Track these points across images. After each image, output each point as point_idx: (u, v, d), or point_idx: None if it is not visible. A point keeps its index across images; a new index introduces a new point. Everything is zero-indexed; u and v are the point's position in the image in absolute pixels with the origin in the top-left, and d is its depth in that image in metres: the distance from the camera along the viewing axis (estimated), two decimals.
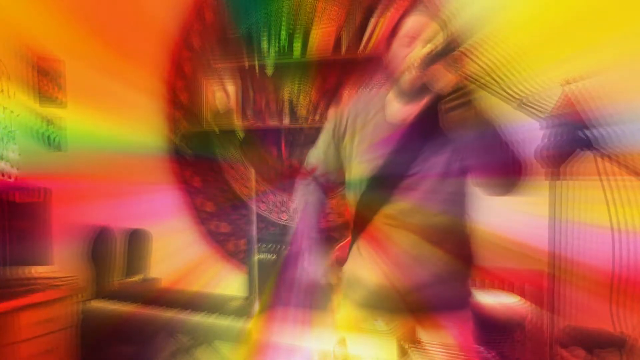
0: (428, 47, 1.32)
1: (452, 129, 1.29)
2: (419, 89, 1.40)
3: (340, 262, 1.66)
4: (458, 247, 1.47)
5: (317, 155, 1.66)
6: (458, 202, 1.46)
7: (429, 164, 1.42)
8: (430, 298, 1.44)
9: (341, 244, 1.73)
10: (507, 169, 1.27)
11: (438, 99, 1.32)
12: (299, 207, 1.61)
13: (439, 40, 1.37)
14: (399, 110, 1.50)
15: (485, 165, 1.30)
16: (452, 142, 1.35)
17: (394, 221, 1.45)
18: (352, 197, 1.57)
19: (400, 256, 1.44)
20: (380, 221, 1.48)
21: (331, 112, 1.44)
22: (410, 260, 1.44)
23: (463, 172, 1.41)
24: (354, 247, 1.59)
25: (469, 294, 1.54)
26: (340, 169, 1.61)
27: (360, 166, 1.51)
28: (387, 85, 1.54)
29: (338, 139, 1.59)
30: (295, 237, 1.53)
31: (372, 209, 1.48)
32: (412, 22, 1.41)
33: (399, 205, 1.44)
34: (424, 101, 1.46)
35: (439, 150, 1.41)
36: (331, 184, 1.66)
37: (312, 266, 1.48)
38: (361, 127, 1.54)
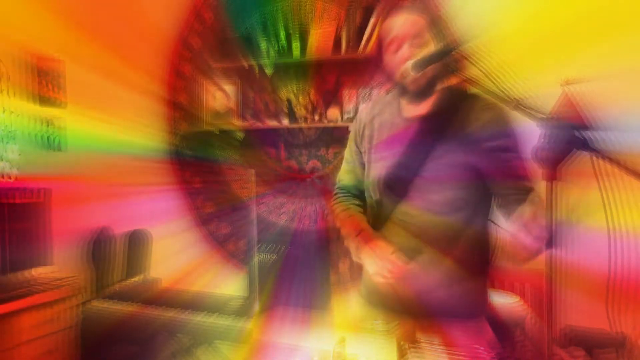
0: (421, 53, 1.32)
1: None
2: (421, 89, 1.40)
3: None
4: (471, 253, 1.41)
5: (345, 171, 1.64)
6: (472, 205, 1.40)
7: (442, 163, 1.38)
8: (438, 304, 1.40)
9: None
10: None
11: (448, 95, 1.30)
12: (340, 217, 1.59)
13: (429, 39, 1.36)
14: (409, 107, 1.49)
15: (496, 167, 1.31)
16: (465, 140, 1.34)
17: (407, 222, 1.43)
18: (369, 199, 1.56)
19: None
20: (395, 222, 1.45)
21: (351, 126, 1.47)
22: (420, 263, 1.41)
23: (478, 173, 1.36)
24: None
25: (483, 303, 1.48)
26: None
27: (376, 166, 1.50)
28: (390, 85, 1.53)
29: (360, 147, 1.58)
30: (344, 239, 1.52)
31: (387, 210, 1.47)
32: (397, 25, 1.39)
33: (412, 205, 1.42)
34: (432, 98, 1.44)
35: (452, 148, 1.38)
36: (363, 194, 1.61)
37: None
38: (378, 127, 1.53)
